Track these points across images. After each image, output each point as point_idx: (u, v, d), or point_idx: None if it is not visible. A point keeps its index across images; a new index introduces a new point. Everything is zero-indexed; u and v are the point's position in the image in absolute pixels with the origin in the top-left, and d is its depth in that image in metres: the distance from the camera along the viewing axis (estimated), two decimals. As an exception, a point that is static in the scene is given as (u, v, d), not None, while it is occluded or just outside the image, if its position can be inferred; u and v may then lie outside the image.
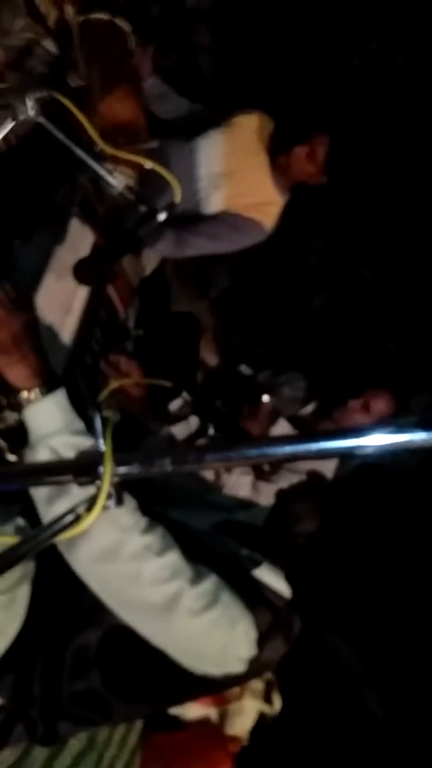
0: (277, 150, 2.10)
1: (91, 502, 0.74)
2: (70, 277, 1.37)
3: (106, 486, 0.73)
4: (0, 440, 1.20)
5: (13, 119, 1.17)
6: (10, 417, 1.18)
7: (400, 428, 0.65)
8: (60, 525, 0.74)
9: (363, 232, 3.50)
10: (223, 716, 2.24)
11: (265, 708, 2.25)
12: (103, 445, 0.77)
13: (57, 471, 0.81)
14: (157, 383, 1.92)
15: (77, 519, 0.74)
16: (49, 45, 1.85)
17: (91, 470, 0.74)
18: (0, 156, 1.27)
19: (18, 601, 1.16)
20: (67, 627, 1.16)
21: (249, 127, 2.15)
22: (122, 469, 0.74)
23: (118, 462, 0.74)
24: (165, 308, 2.87)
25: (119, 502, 0.77)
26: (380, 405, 2.13)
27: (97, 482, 0.75)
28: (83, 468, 0.75)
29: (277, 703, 2.28)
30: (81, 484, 0.76)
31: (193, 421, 2.19)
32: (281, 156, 2.10)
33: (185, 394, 2.24)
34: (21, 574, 1.17)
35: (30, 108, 1.17)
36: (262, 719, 2.27)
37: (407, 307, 3.44)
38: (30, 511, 1.13)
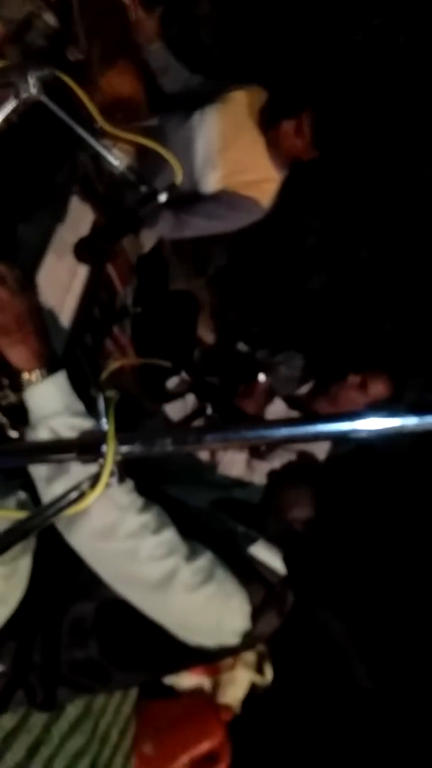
0: (268, 125, 2.09)
1: (94, 479, 0.77)
2: (70, 256, 1.37)
3: (110, 463, 0.75)
4: (2, 417, 1.21)
5: (15, 98, 1.17)
6: (12, 395, 1.20)
7: (394, 412, 0.67)
8: (65, 501, 0.76)
9: (361, 211, 3.49)
10: (216, 686, 2.30)
11: (257, 678, 2.31)
12: (106, 425, 0.79)
13: (61, 449, 0.83)
14: (156, 363, 1.94)
15: (81, 495, 0.77)
16: (49, 18, 1.83)
17: (94, 449, 0.77)
18: (1, 136, 1.26)
19: (19, 571, 1.19)
20: (65, 598, 1.19)
21: (245, 102, 2.12)
22: (124, 448, 0.77)
23: (120, 441, 0.77)
24: (163, 286, 2.87)
25: (121, 479, 0.80)
26: (378, 387, 2.15)
27: (100, 460, 0.77)
28: (87, 446, 0.78)
29: (269, 674, 2.34)
30: (84, 461, 0.78)
31: (190, 399, 2.21)
32: (271, 131, 2.08)
33: (183, 373, 2.26)
34: (22, 546, 1.19)
35: (32, 86, 1.17)
36: (253, 689, 2.33)
37: (405, 287, 3.44)
38: (31, 485, 1.16)
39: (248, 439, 0.72)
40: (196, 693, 2.25)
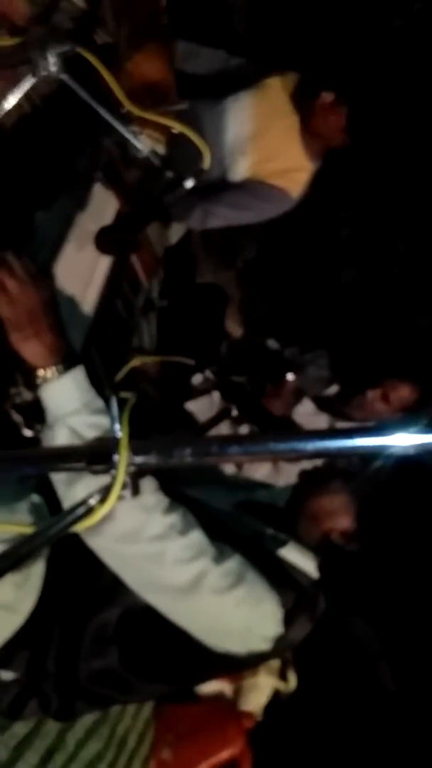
0: (302, 101, 2.01)
1: (105, 493, 0.70)
2: (91, 245, 1.32)
3: (121, 477, 0.69)
4: (16, 415, 1.16)
5: (34, 76, 1.10)
6: (26, 393, 1.14)
7: (428, 428, 0.60)
8: (73, 517, 0.70)
9: (397, 203, 3.38)
10: (238, 692, 2.25)
11: (280, 685, 2.25)
12: (119, 431, 0.72)
13: (70, 457, 0.77)
14: (180, 360, 1.88)
15: (90, 511, 0.70)
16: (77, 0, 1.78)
17: (106, 458, 0.70)
18: (22, 116, 1.20)
19: (32, 579, 1.14)
20: (84, 605, 1.15)
21: (282, 89, 2.06)
22: (139, 459, 0.70)
23: (135, 450, 0.70)
24: (190, 279, 2.81)
25: (135, 492, 0.73)
26: (400, 395, 2.07)
27: (112, 471, 0.70)
28: (97, 456, 0.71)
29: (292, 680, 2.27)
30: (95, 472, 0.71)
31: (216, 396, 2.15)
32: (305, 108, 2.00)
33: (208, 372, 2.19)
34: (35, 552, 1.15)
35: (52, 64, 1.10)
36: (276, 696, 2.27)
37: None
38: (46, 486, 1.11)
39: (274, 452, 0.65)
40: (218, 699, 2.20)
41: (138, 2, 1.89)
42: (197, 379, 2.22)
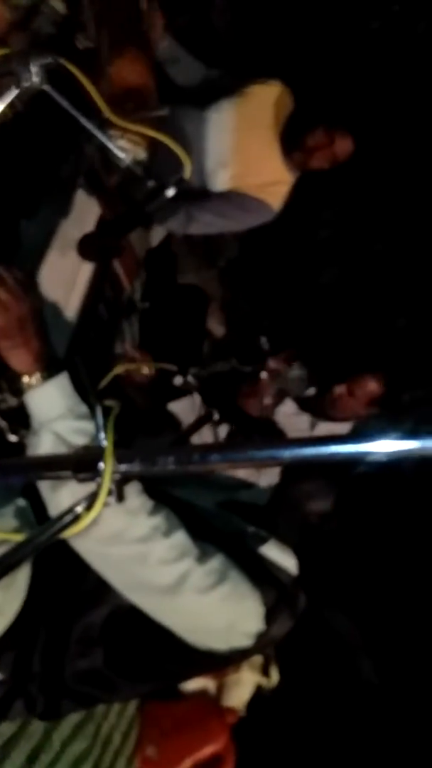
0: (291, 145, 2.03)
1: (91, 500, 0.72)
2: (74, 252, 1.33)
3: (107, 485, 0.71)
4: (1, 420, 1.18)
5: (17, 87, 1.12)
6: (11, 398, 1.16)
7: (410, 435, 0.62)
8: (60, 525, 0.72)
9: (376, 203, 3.42)
10: (221, 688, 2.27)
11: (263, 681, 2.28)
12: (104, 440, 0.74)
13: (56, 466, 0.79)
14: (164, 367, 1.89)
15: (77, 518, 0.72)
16: (57, 4, 1.78)
17: (91, 467, 0.72)
18: (5, 124, 1.21)
19: (17, 582, 1.15)
20: (70, 606, 1.16)
21: (264, 99, 2.06)
22: (123, 467, 0.72)
23: (119, 459, 0.72)
24: (172, 280, 2.83)
25: (120, 498, 0.75)
26: (365, 389, 2.13)
27: (98, 479, 0.72)
28: (83, 464, 0.73)
29: (275, 676, 2.31)
30: (81, 480, 0.73)
31: (197, 397, 2.17)
32: (296, 150, 2.02)
33: (190, 375, 2.22)
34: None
35: (34, 75, 1.11)
36: (259, 692, 2.30)
37: (419, 282, 3.38)
38: (30, 489, 1.13)
39: (254, 460, 0.67)
40: (201, 695, 2.23)
41: (118, 7, 1.90)
42: (178, 380, 2.25)
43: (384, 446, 0.61)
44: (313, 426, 2.22)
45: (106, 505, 0.75)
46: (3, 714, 1.25)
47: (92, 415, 0.95)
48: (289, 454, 0.65)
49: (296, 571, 1.23)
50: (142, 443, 1.65)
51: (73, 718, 1.75)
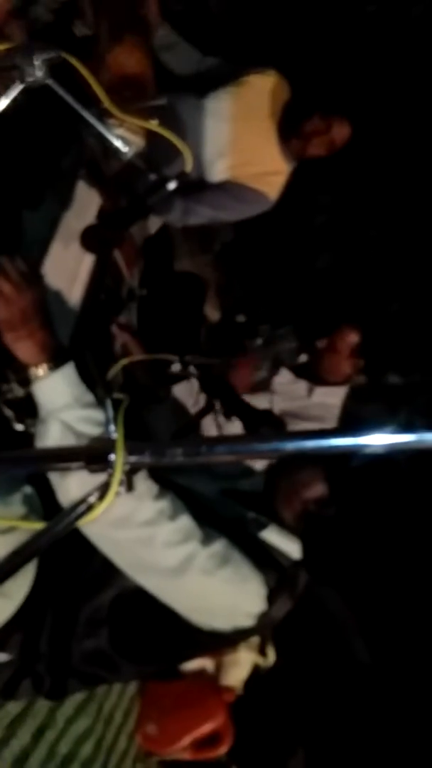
0: (288, 132, 2.04)
1: (103, 490, 0.75)
2: (76, 243, 1.35)
3: (118, 476, 0.74)
4: (7, 410, 1.20)
5: (21, 82, 1.13)
6: (18, 389, 1.18)
7: (409, 429, 0.66)
8: (75, 514, 0.75)
9: (372, 189, 3.43)
10: (219, 667, 2.32)
11: (260, 660, 2.32)
12: (115, 432, 0.77)
13: (68, 457, 0.82)
14: (162, 358, 1.92)
15: (90, 508, 0.75)
16: (55, -8, 1.77)
17: (102, 458, 0.75)
18: (6, 117, 1.22)
19: (26, 566, 1.19)
20: (76, 589, 1.20)
21: (261, 88, 2.04)
22: (133, 458, 0.75)
23: (129, 450, 0.75)
24: (169, 266, 2.84)
25: (129, 488, 0.79)
26: (345, 340, 2.22)
27: (109, 470, 0.75)
28: (95, 456, 0.76)
29: (271, 655, 2.35)
30: (93, 471, 0.77)
31: (195, 382, 2.20)
32: (294, 137, 2.03)
33: (187, 358, 2.24)
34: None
35: (38, 69, 1.13)
36: (256, 671, 2.35)
37: (412, 268, 3.40)
38: (37, 477, 1.16)
39: (258, 452, 0.71)
40: (199, 674, 2.27)
41: (116, -6, 1.89)
42: (176, 366, 2.27)
43: (385, 439, 0.64)
44: (310, 392, 2.29)
45: (116, 495, 0.78)
46: (11, 693, 1.28)
47: (100, 406, 0.97)
48: (292, 446, 0.68)
49: (296, 554, 1.27)
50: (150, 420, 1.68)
51: (76, 697, 1.80)
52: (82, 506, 0.75)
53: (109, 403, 0.82)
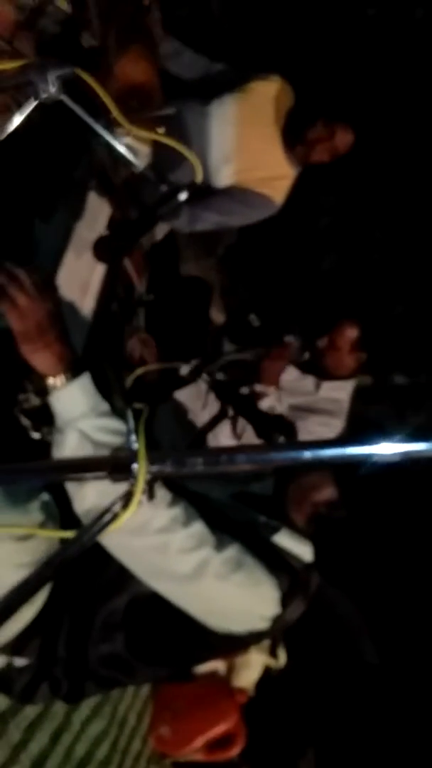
0: (292, 139, 2.06)
1: (126, 499, 0.78)
2: (88, 253, 1.37)
3: (141, 485, 0.76)
4: (25, 419, 1.22)
5: (36, 98, 1.15)
6: (34, 398, 1.21)
7: (417, 438, 0.68)
8: (101, 523, 0.77)
9: (376, 191, 3.44)
10: (231, 669, 2.33)
11: (271, 662, 2.34)
12: (136, 443, 0.79)
13: (92, 467, 0.84)
14: (174, 366, 1.95)
15: (114, 517, 0.78)
16: (62, 4, 1.79)
17: (126, 468, 0.78)
18: (19, 131, 1.24)
19: (43, 573, 1.21)
20: (93, 594, 1.22)
21: (265, 94, 2.07)
22: (155, 468, 0.77)
23: (151, 460, 0.77)
24: (175, 272, 2.86)
25: (150, 496, 0.81)
26: (344, 336, 2.25)
27: (131, 479, 0.78)
28: (118, 466, 0.78)
29: (282, 657, 2.37)
30: (116, 480, 0.79)
31: (202, 385, 2.23)
32: (298, 145, 2.05)
33: (194, 362, 2.27)
34: (46, 548, 1.21)
35: (52, 85, 1.15)
36: (267, 672, 2.37)
37: (417, 269, 3.41)
38: (53, 485, 1.18)
39: (276, 461, 0.73)
40: (211, 676, 2.29)
41: (122, 5, 1.91)
42: (184, 370, 2.30)
43: (402, 448, 0.66)
44: (317, 386, 2.31)
45: (139, 504, 0.80)
46: (29, 697, 1.30)
47: (117, 415, 1.00)
48: (310, 455, 0.70)
49: (308, 557, 1.29)
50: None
51: (91, 700, 1.83)
52: (108, 515, 0.77)
53: (130, 414, 0.84)
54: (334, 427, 2.23)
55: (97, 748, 1.80)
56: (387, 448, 0.68)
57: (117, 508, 0.78)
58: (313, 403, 2.27)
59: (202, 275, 3.28)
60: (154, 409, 1.88)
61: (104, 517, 0.77)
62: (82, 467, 0.86)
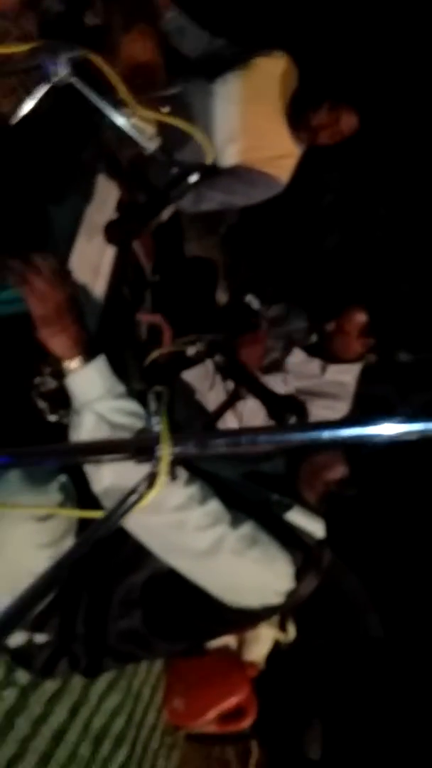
0: (296, 121, 2.04)
1: (150, 480, 0.80)
2: (99, 236, 1.38)
3: (165, 467, 0.78)
4: (41, 402, 1.24)
5: (47, 82, 1.15)
6: (51, 381, 1.22)
7: (420, 419, 0.69)
8: (128, 504, 0.80)
9: (379, 170, 3.41)
10: (241, 644, 2.39)
11: (280, 636, 2.39)
12: (158, 425, 0.81)
13: (116, 449, 0.86)
14: (188, 344, 1.96)
15: (140, 498, 0.80)
16: (66, -18, 1.77)
17: (149, 450, 0.79)
18: (27, 115, 1.24)
19: (65, 551, 1.24)
20: (110, 572, 1.25)
21: (269, 71, 2.04)
22: (177, 449, 0.79)
23: (174, 442, 0.79)
24: (180, 252, 2.86)
25: (173, 477, 0.83)
26: (352, 321, 2.25)
27: (154, 460, 0.80)
28: (142, 448, 0.80)
29: (292, 631, 2.42)
30: (139, 462, 0.81)
31: (209, 365, 2.24)
32: (302, 128, 2.03)
33: (200, 343, 2.27)
34: (65, 528, 1.24)
35: (62, 68, 1.14)
36: (277, 646, 2.42)
37: (422, 247, 3.40)
38: (70, 466, 1.20)
39: (295, 441, 0.74)
40: (223, 651, 2.34)
41: (126, -18, 1.89)
42: (191, 350, 2.30)
43: (424, 428, 0.67)
44: (323, 370, 2.31)
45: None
46: (50, 672, 1.34)
47: (135, 397, 1.01)
48: (328, 435, 0.71)
49: (320, 534, 1.31)
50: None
51: (107, 675, 1.87)
52: (134, 496, 0.79)
53: (152, 396, 0.86)
54: (338, 410, 2.24)
55: (113, 721, 1.85)
56: (409, 428, 0.69)
57: (142, 488, 0.80)
58: (319, 387, 2.28)
59: (205, 255, 3.27)
60: (173, 391, 1.89)
61: (130, 498, 0.79)
62: (106, 449, 0.88)
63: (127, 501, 0.79)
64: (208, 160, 1.32)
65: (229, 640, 2.37)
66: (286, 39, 2.24)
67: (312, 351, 2.37)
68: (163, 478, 0.79)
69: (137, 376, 1.17)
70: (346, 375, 2.31)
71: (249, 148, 2.06)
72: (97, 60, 1.17)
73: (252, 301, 2.56)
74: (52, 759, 1.57)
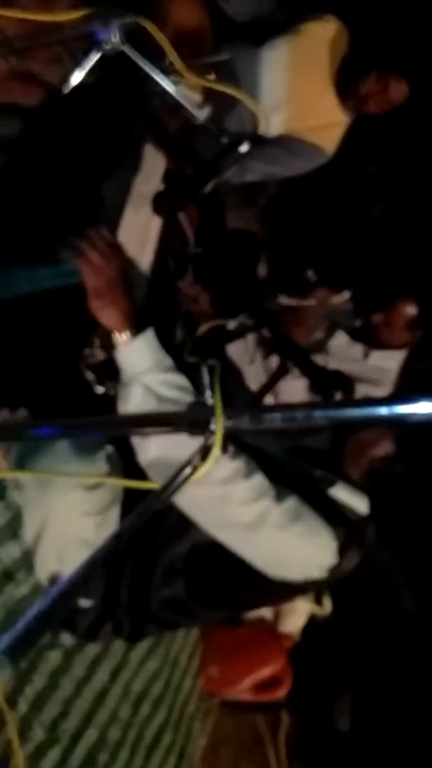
0: (344, 90, 1.98)
1: (203, 453, 0.80)
2: (146, 207, 1.37)
3: (219, 440, 0.79)
4: (89, 374, 1.26)
5: (99, 50, 1.13)
6: (99, 353, 1.24)
7: None
8: (183, 476, 0.81)
9: (428, 138, 3.30)
10: (277, 616, 2.42)
11: (316, 609, 2.41)
12: (212, 398, 0.82)
13: (172, 422, 0.87)
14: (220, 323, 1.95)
15: (194, 470, 0.81)
16: None
17: (203, 423, 0.80)
18: (77, 88, 1.23)
19: (109, 521, 1.27)
20: (154, 541, 1.28)
21: (319, 37, 1.97)
22: (230, 423, 0.79)
23: (227, 416, 0.79)
24: (221, 224, 2.83)
25: (224, 450, 0.83)
26: (401, 313, 2.19)
27: (207, 433, 0.80)
28: (197, 421, 0.81)
29: (327, 605, 2.44)
30: (193, 435, 0.82)
31: (250, 340, 2.23)
32: (349, 97, 1.97)
33: (242, 317, 2.26)
34: (111, 498, 1.27)
35: (114, 35, 1.13)
36: (312, 619, 2.44)
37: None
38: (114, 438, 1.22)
39: (355, 417, 0.74)
40: (259, 622, 2.38)
41: None
42: (232, 324, 2.29)
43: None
44: (365, 355, 2.27)
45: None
46: (93, 635, 1.38)
47: (187, 373, 1.02)
48: (386, 411, 0.70)
49: (364, 510, 1.31)
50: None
51: (146, 642, 1.91)
52: (189, 468, 0.80)
53: (205, 370, 0.86)
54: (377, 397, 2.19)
55: (152, 685, 1.90)
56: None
57: (195, 461, 0.80)
58: (359, 372, 2.21)
59: (245, 226, 3.23)
60: (225, 365, 1.89)
61: (185, 471, 0.80)
62: (161, 421, 0.89)
63: (181, 473, 0.80)
64: (260, 129, 1.29)
65: (265, 612, 2.40)
66: (338, 3, 2.16)
67: (356, 335, 2.32)
68: (216, 452, 0.79)
69: (189, 348, 1.17)
70: (389, 361, 2.25)
71: (296, 117, 2.00)
72: (151, 26, 1.14)
73: (312, 276, 2.52)
74: (93, 719, 1.62)
